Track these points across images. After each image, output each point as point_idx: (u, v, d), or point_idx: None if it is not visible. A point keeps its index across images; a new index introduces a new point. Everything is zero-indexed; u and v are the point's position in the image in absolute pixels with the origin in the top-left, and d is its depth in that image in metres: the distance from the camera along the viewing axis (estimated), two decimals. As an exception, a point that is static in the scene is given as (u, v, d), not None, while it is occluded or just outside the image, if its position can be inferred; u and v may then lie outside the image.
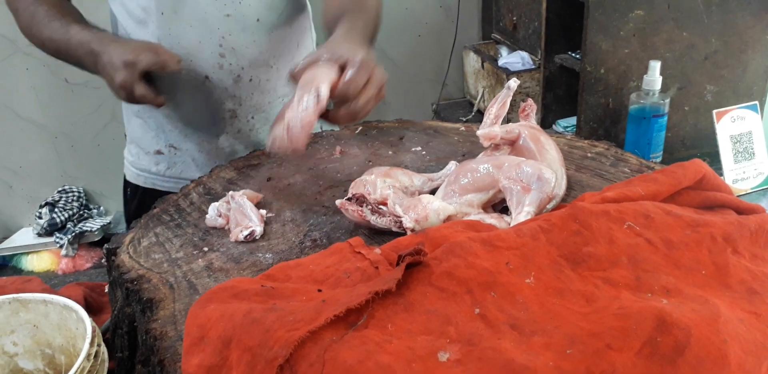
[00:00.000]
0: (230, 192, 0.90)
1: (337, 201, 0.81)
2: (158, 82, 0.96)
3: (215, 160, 1.17)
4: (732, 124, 1.38)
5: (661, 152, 1.46)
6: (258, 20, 1.10)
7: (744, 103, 1.40)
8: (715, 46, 1.56)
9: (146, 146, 1.20)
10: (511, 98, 0.91)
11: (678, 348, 0.50)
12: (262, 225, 0.85)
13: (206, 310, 0.58)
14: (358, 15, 1.01)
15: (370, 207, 0.80)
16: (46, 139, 2.57)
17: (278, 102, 1.19)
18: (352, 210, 0.80)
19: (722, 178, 1.36)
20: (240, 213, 0.85)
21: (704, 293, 0.58)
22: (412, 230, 0.77)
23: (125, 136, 1.25)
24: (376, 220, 0.80)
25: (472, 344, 0.51)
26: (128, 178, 1.26)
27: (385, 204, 0.82)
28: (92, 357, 0.63)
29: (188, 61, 1.08)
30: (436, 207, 0.78)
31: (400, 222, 0.78)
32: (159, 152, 1.20)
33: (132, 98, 0.95)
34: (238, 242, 0.83)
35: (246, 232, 0.82)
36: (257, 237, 0.83)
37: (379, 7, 1.09)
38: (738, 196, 1.37)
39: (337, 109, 0.85)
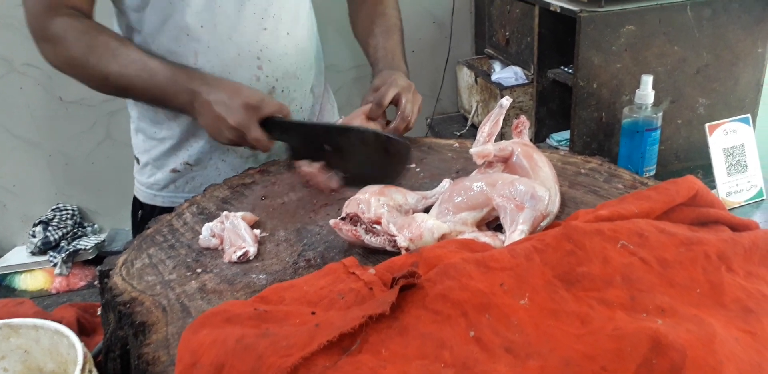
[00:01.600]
0: (224, 213, 0.89)
1: (331, 221, 0.81)
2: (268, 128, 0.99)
3: (238, 170, 1.17)
4: (724, 137, 1.38)
5: (655, 165, 1.47)
6: (288, 33, 1.14)
7: (736, 115, 1.41)
8: (707, 60, 1.57)
9: (163, 166, 1.20)
10: (503, 116, 0.92)
11: (674, 370, 0.50)
12: (256, 245, 0.84)
13: (198, 335, 0.57)
14: (390, 38, 1.24)
15: (364, 226, 0.80)
16: (40, 157, 2.56)
17: (298, 111, 1.23)
18: (346, 230, 0.80)
19: (715, 190, 1.37)
20: (234, 233, 0.85)
21: (699, 312, 0.58)
22: (407, 249, 0.77)
23: (136, 158, 1.25)
24: (370, 239, 0.79)
25: (467, 368, 0.50)
26: (143, 200, 1.25)
27: (379, 223, 0.81)
28: (83, 383, 0.62)
29: (227, 74, 1.10)
30: (430, 226, 0.78)
31: (395, 241, 0.78)
32: (174, 170, 1.20)
33: (240, 141, 0.98)
34: (231, 263, 0.82)
35: (239, 253, 0.82)
36: (251, 258, 0.83)
37: (400, 19, 1.31)
38: (731, 209, 1.37)
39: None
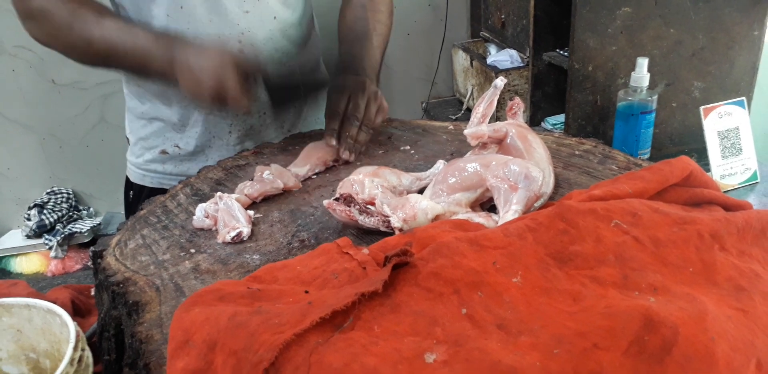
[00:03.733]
0: (218, 193, 0.89)
1: (325, 202, 0.81)
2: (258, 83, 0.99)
3: (225, 156, 1.16)
4: (719, 120, 1.38)
5: (649, 148, 1.47)
6: (275, 18, 1.13)
7: (731, 99, 1.41)
8: (703, 43, 1.57)
9: (151, 146, 1.20)
10: (498, 97, 0.91)
11: (665, 347, 0.50)
12: (250, 226, 0.84)
13: (191, 314, 0.57)
14: (372, 37, 1.17)
15: (358, 207, 0.80)
16: (34, 141, 2.55)
17: None
18: (340, 211, 0.80)
19: (710, 173, 1.37)
20: (227, 214, 0.85)
21: (691, 290, 0.58)
22: (401, 230, 0.77)
23: (127, 139, 1.25)
24: (364, 220, 0.79)
25: (459, 345, 0.50)
26: (133, 180, 1.25)
27: (373, 204, 0.81)
28: (76, 361, 0.62)
29: None
30: (424, 207, 0.78)
31: (388, 221, 0.78)
32: (164, 152, 1.19)
33: (220, 102, 0.95)
34: (225, 243, 0.82)
35: (233, 233, 0.82)
36: (245, 238, 0.82)
37: (392, 17, 1.25)
38: (726, 192, 1.37)
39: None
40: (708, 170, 1.37)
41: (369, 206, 0.80)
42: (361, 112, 1.04)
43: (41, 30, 1.02)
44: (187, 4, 1.05)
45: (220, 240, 0.82)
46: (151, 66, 0.99)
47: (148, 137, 1.19)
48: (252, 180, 0.94)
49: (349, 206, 0.80)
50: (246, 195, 0.91)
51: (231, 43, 1.09)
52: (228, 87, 0.94)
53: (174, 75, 0.96)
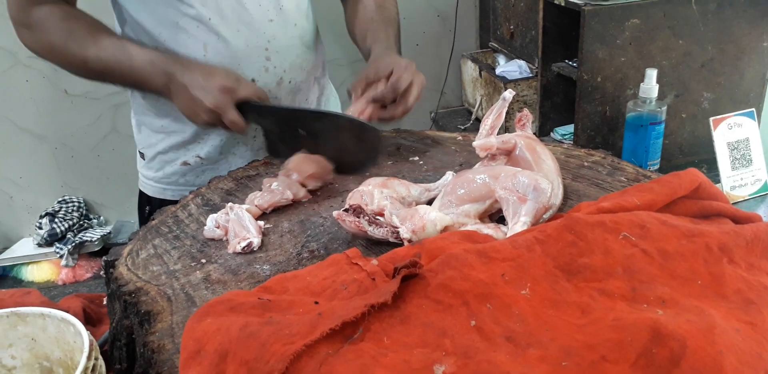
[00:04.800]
0: (229, 204, 0.90)
1: (335, 213, 0.82)
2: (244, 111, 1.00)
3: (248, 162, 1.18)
4: (729, 131, 1.38)
5: (659, 159, 1.47)
6: (295, 25, 1.16)
7: (741, 110, 1.41)
8: (712, 54, 1.57)
9: (172, 159, 1.21)
10: (506, 109, 0.92)
11: (674, 360, 0.50)
12: (260, 236, 0.85)
13: (203, 324, 0.58)
14: (388, 29, 1.20)
15: (367, 218, 0.81)
16: (46, 150, 2.57)
17: (304, 102, 1.24)
18: (349, 222, 0.81)
19: (720, 185, 1.37)
20: (238, 224, 0.86)
21: (700, 303, 0.58)
22: (409, 241, 0.77)
23: (140, 153, 1.25)
24: (373, 231, 0.80)
25: (468, 357, 0.51)
26: (151, 194, 1.25)
27: (382, 214, 0.82)
28: (89, 370, 0.63)
29: (236, 65, 1.10)
30: (433, 218, 0.79)
31: (397, 232, 0.79)
32: (185, 163, 1.20)
33: (216, 123, 0.98)
34: (235, 253, 0.83)
35: (244, 243, 0.83)
36: (255, 249, 0.83)
37: (398, 15, 1.27)
38: (735, 203, 1.37)
39: (392, 107, 1.06)
40: (718, 181, 1.37)
41: (378, 217, 0.81)
42: (401, 86, 1.05)
43: (36, 42, 1.05)
44: (215, 15, 1.07)
45: (230, 250, 0.83)
46: (146, 85, 1.02)
47: (168, 150, 1.20)
48: (260, 191, 0.95)
49: (359, 217, 0.81)
50: (256, 205, 0.92)
51: (258, 51, 1.11)
52: (225, 112, 0.96)
53: (170, 94, 0.98)
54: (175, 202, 1.17)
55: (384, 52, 1.13)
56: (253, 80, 1.12)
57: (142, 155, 1.24)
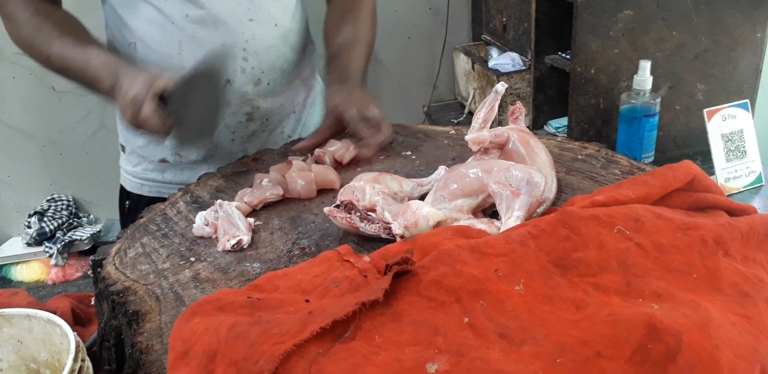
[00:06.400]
0: (218, 201, 0.89)
1: (326, 209, 0.80)
2: (172, 102, 0.91)
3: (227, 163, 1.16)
4: (723, 123, 1.38)
5: (653, 152, 1.46)
6: (276, 25, 1.12)
7: (734, 101, 1.40)
8: (705, 45, 1.56)
9: (149, 155, 1.19)
10: (499, 102, 0.91)
11: (669, 355, 0.49)
12: (250, 233, 0.84)
13: (191, 324, 0.57)
14: (357, 44, 1.16)
15: (359, 214, 0.79)
16: (34, 148, 2.55)
17: (288, 104, 1.21)
18: (340, 218, 0.79)
19: (714, 177, 1.36)
20: (227, 221, 0.84)
21: (695, 297, 0.57)
22: (402, 236, 0.76)
23: (121, 146, 1.23)
24: (365, 227, 0.79)
25: (461, 354, 0.50)
26: (129, 189, 1.24)
27: (374, 210, 0.81)
28: (76, 372, 0.62)
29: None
30: (425, 213, 0.78)
31: (390, 228, 0.78)
32: (163, 160, 1.18)
33: (136, 119, 0.91)
34: (225, 251, 0.82)
35: (233, 241, 0.81)
36: (245, 246, 0.82)
37: (375, 19, 1.23)
38: (730, 195, 1.37)
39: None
40: (712, 173, 1.37)
41: (370, 213, 0.80)
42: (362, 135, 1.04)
43: (11, 33, 1.06)
44: (192, 13, 1.05)
45: (220, 248, 0.82)
46: (97, 86, 0.99)
47: (146, 145, 1.18)
48: (251, 187, 0.94)
49: (350, 213, 0.79)
50: (246, 202, 0.90)
51: (236, 51, 1.09)
52: (143, 104, 0.90)
53: (114, 96, 0.96)
54: (152, 199, 1.16)
55: (343, 86, 1.10)
56: (228, 81, 1.10)
57: (123, 148, 1.23)
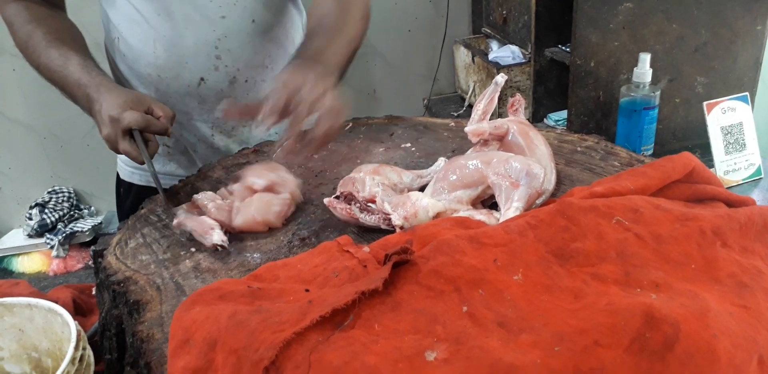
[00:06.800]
0: (177, 212, 0.86)
1: (326, 200, 0.81)
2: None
3: (211, 158, 1.16)
4: (723, 116, 1.38)
5: (653, 144, 1.46)
6: (253, 21, 1.10)
7: (734, 94, 1.40)
8: (705, 38, 1.56)
9: None
10: (499, 93, 0.91)
11: (667, 344, 0.50)
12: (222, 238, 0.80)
13: (191, 312, 0.57)
14: (338, 33, 0.99)
15: (358, 205, 0.80)
16: (35, 140, 2.55)
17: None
18: (340, 209, 0.80)
19: (713, 169, 1.36)
20: (196, 222, 0.82)
21: (694, 287, 0.58)
22: (401, 227, 0.77)
23: None
24: (364, 218, 0.79)
25: (460, 343, 0.50)
26: (122, 177, 1.25)
27: (373, 201, 0.81)
28: (77, 360, 0.62)
29: (184, 63, 1.08)
30: (425, 205, 0.78)
31: (389, 219, 0.78)
32: None
33: (117, 151, 0.92)
34: (220, 244, 0.81)
35: (214, 236, 0.79)
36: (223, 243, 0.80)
37: (366, 24, 1.06)
38: (729, 188, 1.37)
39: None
40: (711, 166, 1.37)
41: (370, 204, 0.80)
42: (303, 113, 0.83)
43: (13, 38, 1.05)
44: (164, 11, 1.05)
45: (209, 245, 0.80)
46: (78, 103, 0.99)
47: None
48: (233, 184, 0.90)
49: (350, 204, 0.80)
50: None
51: (207, 49, 1.07)
52: (116, 142, 0.90)
53: (93, 111, 0.95)
54: (142, 187, 1.15)
55: (304, 62, 0.91)
56: (202, 79, 1.09)
57: None
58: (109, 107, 0.90)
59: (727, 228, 0.65)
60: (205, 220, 0.82)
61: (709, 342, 0.51)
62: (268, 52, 1.14)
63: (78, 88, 0.96)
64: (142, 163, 0.90)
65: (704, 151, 1.44)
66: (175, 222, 0.83)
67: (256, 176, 0.88)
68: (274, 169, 0.90)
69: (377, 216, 0.79)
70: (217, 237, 0.79)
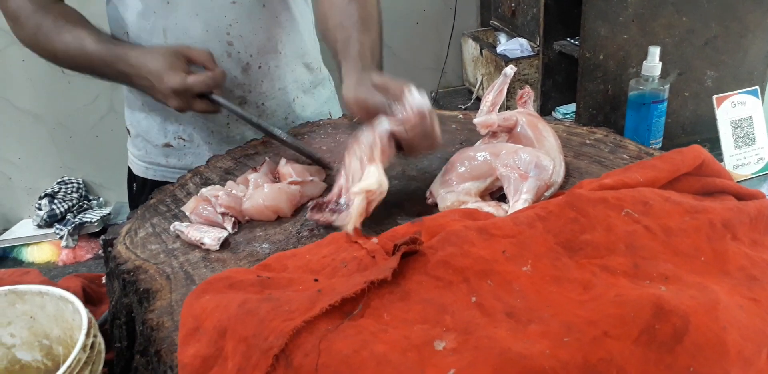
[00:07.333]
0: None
1: (307, 215, 0.80)
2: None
3: (227, 148, 1.16)
4: (732, 110, 1.37)
5: (661, 138, 1.46)
6: (264, 6, 1.10)
7: (744, 88, 1.39)
8: (715, 31, 1.55)
9: (153, 139, 1.19)
10: (508, 85, 0.91)
11: (676, 336, 0.50)
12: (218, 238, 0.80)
13: (201, 301, 0.57)
14: (367, 31, 0.95)
15: (328, 208, 0.78)
16: (44, 131, 2.56)
17: (290, 87, 1.19)
18: (319, 219, 0.79)
19: (723, 164, 1.36)
20: (192, 230, 0.81)
21: (703, 280, 0.58)
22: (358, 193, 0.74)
23: (128, 130, 1.24)
24: (336, 218, 0.77)
25: (468, 333, 0.50)
26: (135, 172, 1.24)
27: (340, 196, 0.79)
28: (88, 348, 0.63)
29: None
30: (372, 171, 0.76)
31: (345, 190, 0.77)
32: (168, 145, 1.18)
33: (182, 101, 0.97)
34: (228, 236, 0.81)
35: (211, 239, 0.79)
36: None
37: (381, 19, 1.02)
38: (738, 182, 1.36)
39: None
40: (721, 160, 1.36)
41: (339, 201, 0.78)
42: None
43: (15, 33, 1.05)
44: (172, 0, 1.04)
45: (210, 247, 0.80)
46: (113, 79, 1.01)
47: (150, 130, 1.18)
48: (256, 170, 0.93)
49: (322, 211, 0.79)
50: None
51: (219, 35, 1.07)
52: (191, 107, 0.95)
53: (138, 91, 0.97)
54: (156, 182, 1.15)
55: (358, 82, 0.86)
56: None
57: (129, 131, 1.23)
58: (159, 79, 0.95)
59: (737, 221, 0.65)
60: (200, 228, 0.82)
61: (719, 334, 0.51)
62: (280, 37, 1.14)
63: (106, 66, 0.98)
64: (218, 113, 1.00)
65: (713, 145, 1.44)
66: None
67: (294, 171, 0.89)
68: (315, 173, 0.92)
69: (345, 211, 0.76)
70: (213, 241, 0.79)
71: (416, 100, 0.79)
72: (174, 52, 0.98)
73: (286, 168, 0.90)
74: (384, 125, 0.80)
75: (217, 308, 0.55)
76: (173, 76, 0.95)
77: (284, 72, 1.17)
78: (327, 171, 0.95)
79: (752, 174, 1.40)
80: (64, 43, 1.00)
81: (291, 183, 0.87)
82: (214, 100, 0.99)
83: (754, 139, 1.39)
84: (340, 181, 0.79)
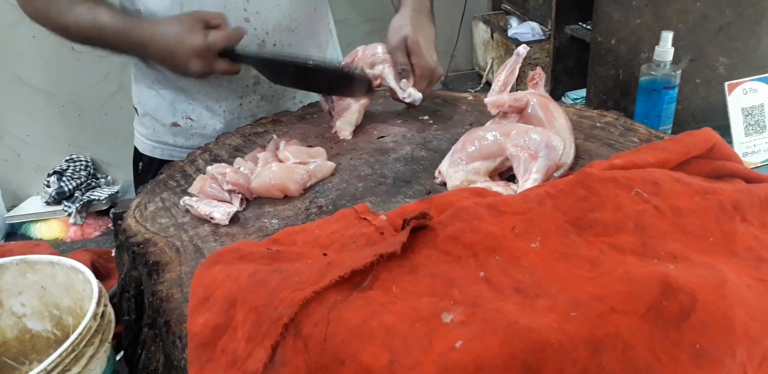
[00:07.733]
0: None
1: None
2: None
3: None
4: (744, 97, 1.36)
5: (671, 124, 1.45)
6: None
7: (757, 75, 1.38)
8: (729, 17, 1.53)
9: (162, 118, 1.19)
10: (520, 65, 0.90)
11: (683, 313, 0.50)
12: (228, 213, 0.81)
13: (212, 271, 0.58)
14: None
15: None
16: (54, 108, 2.57)
17: None
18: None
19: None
20: (202, 204, 0.82)
21: (711, 259, 0.58)
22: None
23: (135, 108, 1.24)
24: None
25: (476, 306, 0.51)
26: (142, 151, 1.24)
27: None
28: (99, 316, 0.64)
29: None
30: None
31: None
32: (175, 124, 1.18)
33: (209, 74, 1.00)
34: (239, 210, 0.81)
35: (220, 214, 0.79)
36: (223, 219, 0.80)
37: None
38: (748, 169, 1.36)
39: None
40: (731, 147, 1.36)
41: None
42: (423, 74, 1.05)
43: (25, 7, 1.06)
44: None
45: (220, 222, 0.80)
46: (124, 54, 1.02)
47: (158, 109, 1.18)
48: (263, 148, 0.93)
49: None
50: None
51: (236, 12, 1.07)
52: (213, 69, 0.96)
53: (155, 63, 0.97)
54: (164, 161, 1.16)
55: (402, 18, 1.13)
56: None
57: (136, 110, 1.23)
58: (179, 42, 0.96)
59: (747, 203, 0.65)
60: (210, 202, 0.82)
61: (726, 312, 0.51)
62: (294, 15, 1.14)
63: (121, 39, 0.99)
64: (238, 73, 1.02)
65: (723, 132, 1.42)
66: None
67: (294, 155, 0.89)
68: (315, 155, 0.91)
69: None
70: (223, 216, 0.79)
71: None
72: (191, 16, 0.99)
73: (284, 153, 0.90)
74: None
75: (228, 278, 0.56)
76: (194, 36, 0.96)
77: (297, 50, 1.17)
78: (370, 92, 1.03)
79: (762, 161, 1.40)
80: (76, 15, 1.00)
81: (299, 163, 0.87)
82: (237, 53, 0.99)
83: (765, 126, 1.38)
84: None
